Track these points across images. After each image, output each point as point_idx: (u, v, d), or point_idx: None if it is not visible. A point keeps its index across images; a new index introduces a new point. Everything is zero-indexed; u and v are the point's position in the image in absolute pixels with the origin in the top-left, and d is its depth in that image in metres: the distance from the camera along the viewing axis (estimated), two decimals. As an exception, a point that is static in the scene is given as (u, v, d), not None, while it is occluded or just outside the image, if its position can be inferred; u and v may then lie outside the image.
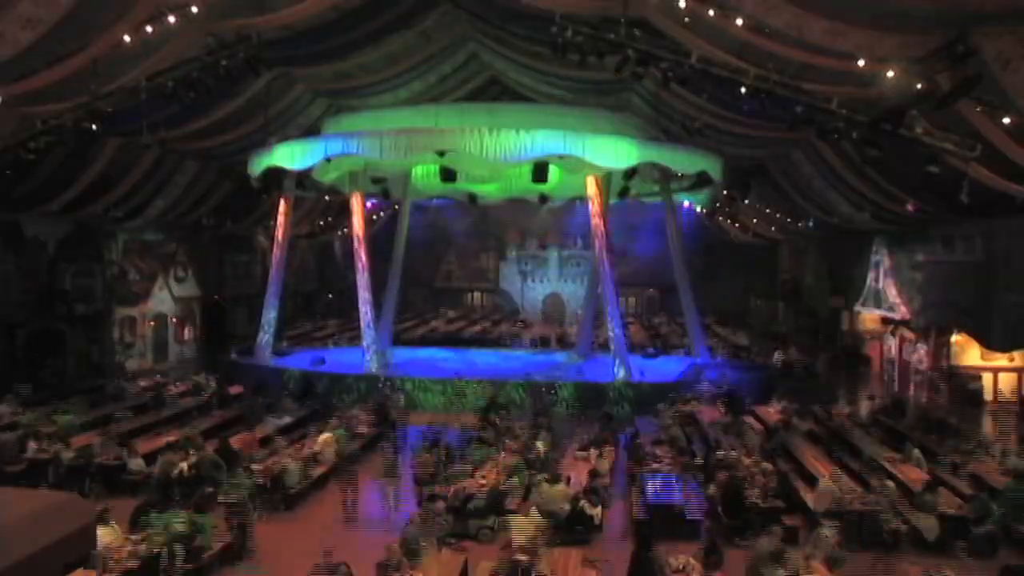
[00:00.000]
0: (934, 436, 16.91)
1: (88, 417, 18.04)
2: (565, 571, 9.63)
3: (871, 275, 26.69)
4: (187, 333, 31.14)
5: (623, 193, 25.57)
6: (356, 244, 24.52)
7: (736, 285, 45.94)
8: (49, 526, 9.52)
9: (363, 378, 22.93)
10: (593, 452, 15.33)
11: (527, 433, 16.48)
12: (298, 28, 17.86)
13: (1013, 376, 22.50)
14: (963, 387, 22.37)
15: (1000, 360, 22.28)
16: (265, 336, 25.69)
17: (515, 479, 13.38)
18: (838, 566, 9.58)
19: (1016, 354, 21.93)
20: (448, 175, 23.78)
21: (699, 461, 15.10)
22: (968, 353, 22.71)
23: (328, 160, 22.29)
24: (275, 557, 11.33)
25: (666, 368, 24.97)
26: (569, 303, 44.34)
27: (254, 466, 13.93)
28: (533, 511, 11.68)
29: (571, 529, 11.93)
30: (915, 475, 13.93)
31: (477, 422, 17.70)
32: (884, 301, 25.86)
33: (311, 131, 25.19)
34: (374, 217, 41.96)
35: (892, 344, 26.11)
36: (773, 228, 34.43)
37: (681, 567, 9.61)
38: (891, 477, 13.72)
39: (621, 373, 22.44)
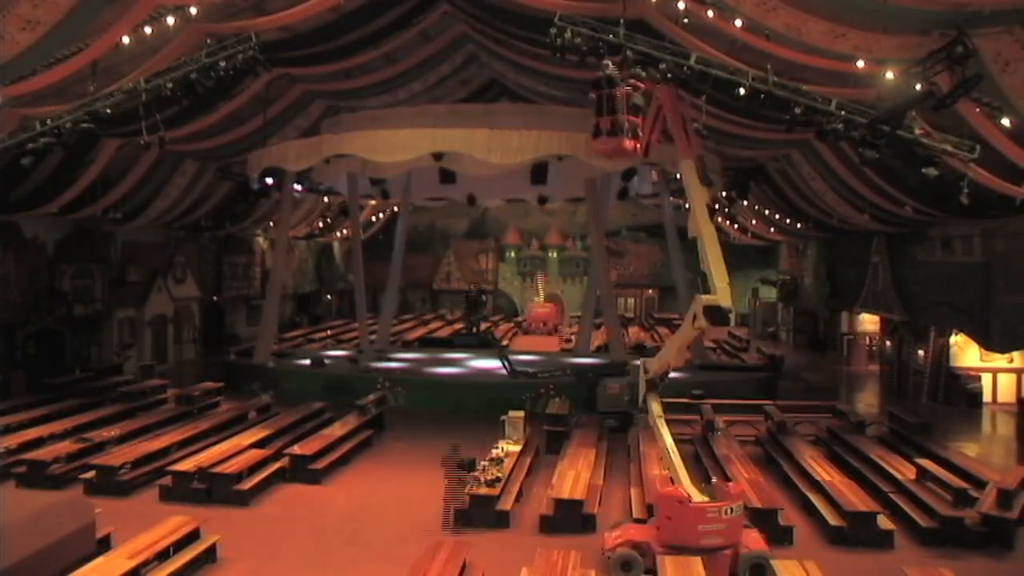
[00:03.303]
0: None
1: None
2: (565, 571, 9.61)
3: (870, 276, 26.70)
4: (186, 334, 31.09)
5: (623, 193, 25.56)
6: (355, 245, 24.50)
7: (735, 286, 45.95)
8: (49, 526, 9.53)
9: (362, 378, 22.91)
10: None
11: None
12: (297, 29, 17.89)
13: (1012, 377, 22.54)
14: (962, 388, 22.39)
15: (999, 361, 22.29)
16: (264, 337, 25.66)
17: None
18: None
19: (1015, 355, 21.95)
20: (447, 176, 23.75)
21: None
22: (967, 354, 22.73)
23: (327, 161, 22.27)
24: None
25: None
26: (568, 304, 44.31)
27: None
28: None
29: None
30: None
31: None
32: (883, 302, 25.86)
33: (310, 132, 25.18)
34: (373, 218, 42.01)
35: (891, 344, 26.12)
36: (772, 229, 34.43)
37: None
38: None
39: (620, 373, 22.39)
